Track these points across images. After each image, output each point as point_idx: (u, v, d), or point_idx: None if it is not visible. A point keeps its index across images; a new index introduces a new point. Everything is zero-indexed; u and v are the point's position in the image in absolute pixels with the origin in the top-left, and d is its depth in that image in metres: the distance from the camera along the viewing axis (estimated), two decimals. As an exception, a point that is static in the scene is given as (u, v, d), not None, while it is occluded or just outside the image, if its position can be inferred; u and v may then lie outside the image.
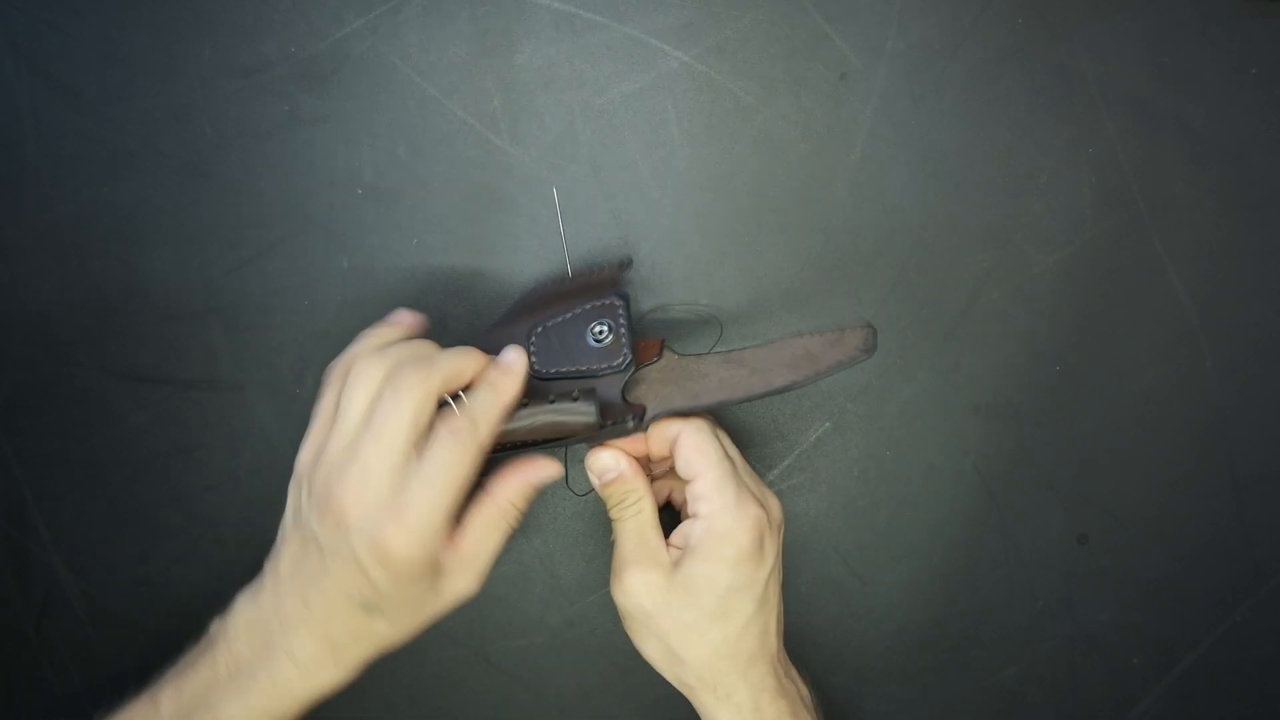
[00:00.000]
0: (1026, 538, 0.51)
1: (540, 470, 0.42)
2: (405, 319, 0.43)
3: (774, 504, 0.43)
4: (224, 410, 0.50)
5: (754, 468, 0.51)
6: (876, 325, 0.49)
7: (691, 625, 0.41)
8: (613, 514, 0.44)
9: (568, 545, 0.51)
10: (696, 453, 0.42)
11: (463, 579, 0.40)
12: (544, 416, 0.42)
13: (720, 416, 0.50)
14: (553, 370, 0.43)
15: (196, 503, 0.50)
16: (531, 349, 0.43)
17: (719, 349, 0.46)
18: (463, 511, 0.40)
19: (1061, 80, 0.49)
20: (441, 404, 0.39)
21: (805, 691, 0.45)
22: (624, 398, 0.43)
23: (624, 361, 0.43)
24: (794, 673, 0.45)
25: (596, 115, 0.49)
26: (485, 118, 0.49)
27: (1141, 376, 0.50)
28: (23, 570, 0.50)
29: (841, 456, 0.51)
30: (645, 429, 0.43)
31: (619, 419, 0.42)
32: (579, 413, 0.42)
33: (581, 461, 0.46)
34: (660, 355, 0.43)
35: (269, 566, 0.41)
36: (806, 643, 0.51)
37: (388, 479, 0.37)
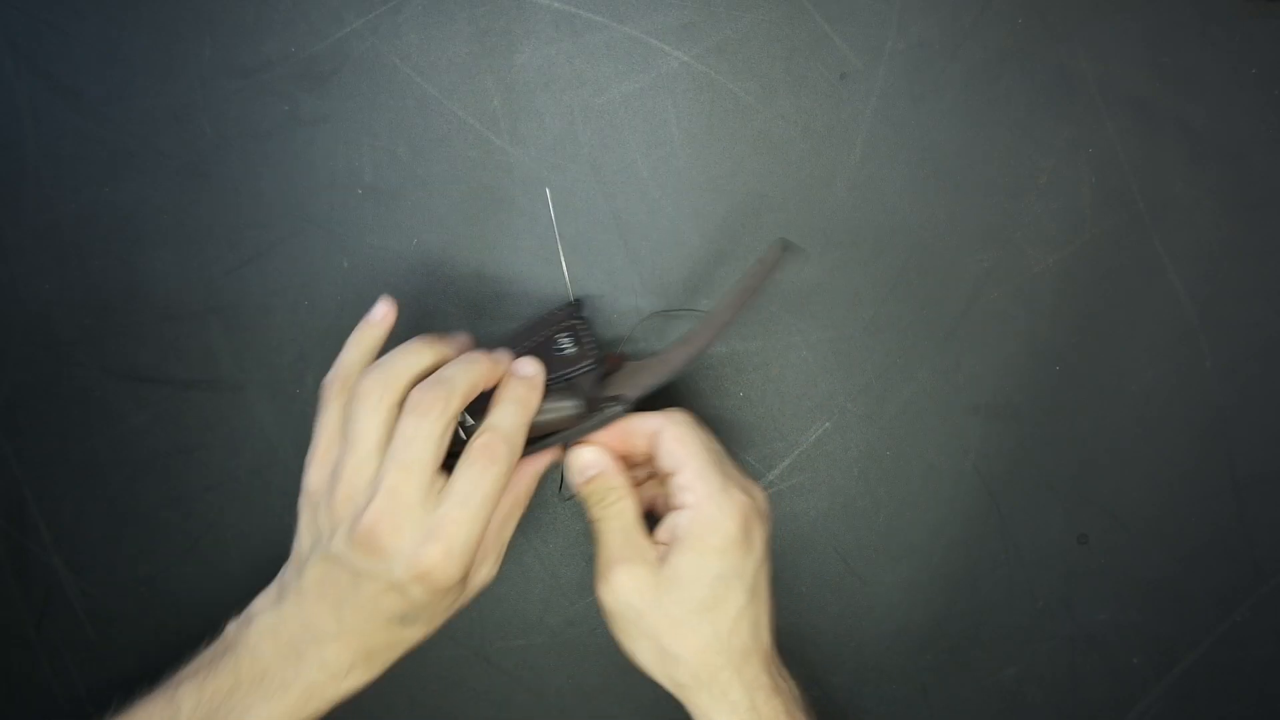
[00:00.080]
0: (1026, 538, 0.51)
1: (543, 457, 0.43)
2: (387, 316, 0.42)
3: (759, 493, 0.43)
4: (224, 410, 0.50)
5: (754, 467, 0.51)
6: (877, 325, 0.50)
7: (682, 620, 0.41)
8: (595, 513, 0.43)
9: (568, 545, 0.51)
10: (678, 444, 0.42)
11: (486, 570, 0.42)
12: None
13: (718, 416, 0.50)
14: None
15: (196, 503, 0.50)
16: None
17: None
18: None
19: (1061, 80, 0.49)
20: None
21: (798, 692, 0.45)
22: (601, 393, 0.44)
23: (593, 360, 0.44)
24: (786, 673, 0.45)
25: (596, 115, 0.49)
26: (485, 118, 0.49)
27: (1141, 376, 0.50)
28: (23, 570, 0.50)
29: (841, 456, 0.51)
30: (630, 408, 0.43)
31: (601, 406, 0.43)
32: (563, 409, 0.42)
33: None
34: (622, 366, 0.45)
35: (289, 580, 0.41)
36: (806, 643, 0.51)
37: (419, 502, 0.38)
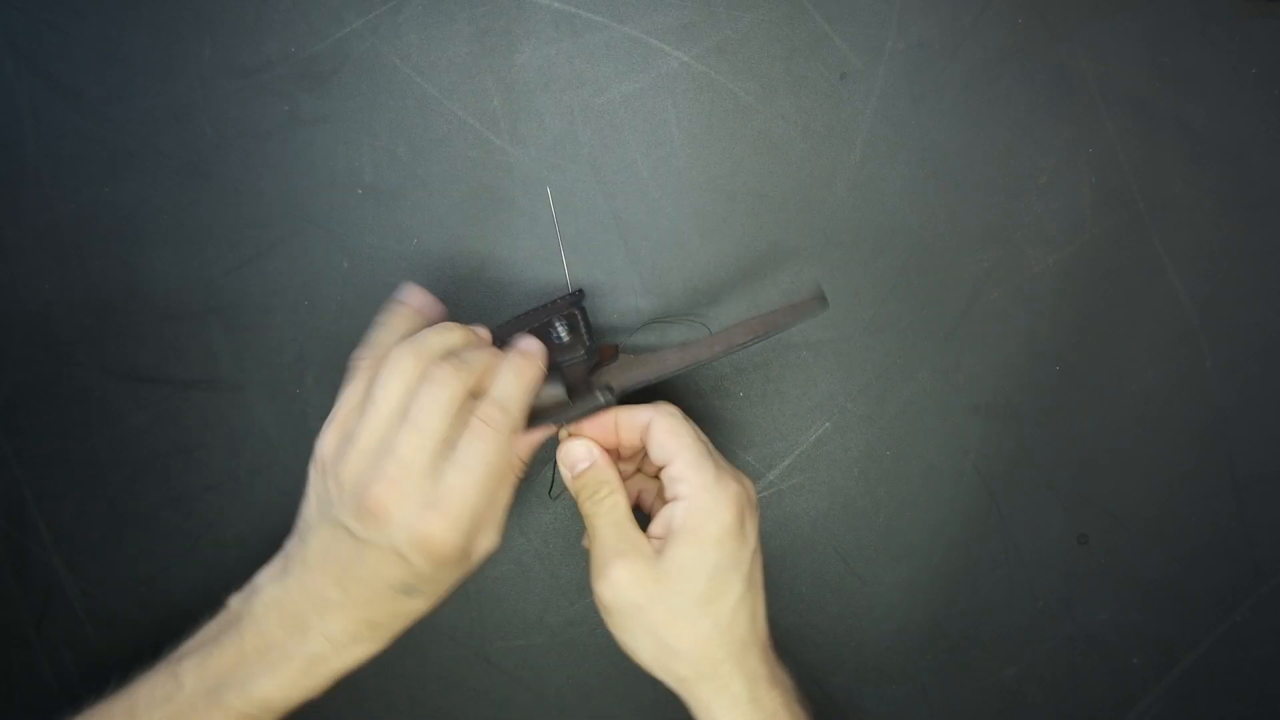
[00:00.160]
0: (1026, 538, 0.51)
1: (538, 431, 0.43)
2: (418, 300, 0.44)
3: (749, 483, 0.43)
4: (224, 410, 0.50)
5: (754, 467, 0.51)
6: (877, 325, 0.50)
7: (682, 612, 0.41)
8: (586, 508, 0.43)
9: (568, 545, 0.51)
10: (670, 435, 0.42)
11: (486, 540, 0.41)
12: None
13: (718, 416, 0.50)
14: None
15: (196, 503, 0.50)
16: None
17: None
18: None
19: (1061, 80, 0.49)
20: None
21: (794, 683, 0.45)
22: (591, 381, 0.44)
23: (586, 351, 0.44)
24: (782, 664, 0.45)
25: (596, 115, 0.49)
26: (485, 118, 0.49)
27: (1141, 376, 0.50)
28: (23, 570, 0.50)
29: (841, 456, 0.51)
30: (615, 399, 0.43)
31: (588, 394, 0.43)
32: (549, 393, 0.43)
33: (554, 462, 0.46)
34: (617, 357, 0.45)
35: (293, 550, 0.41)
36: (806, 643, 0.51)
37: (425, 471, 0.38)
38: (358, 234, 0.49)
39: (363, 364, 0.42)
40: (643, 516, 0.44)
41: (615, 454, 0.45)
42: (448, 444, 0.39)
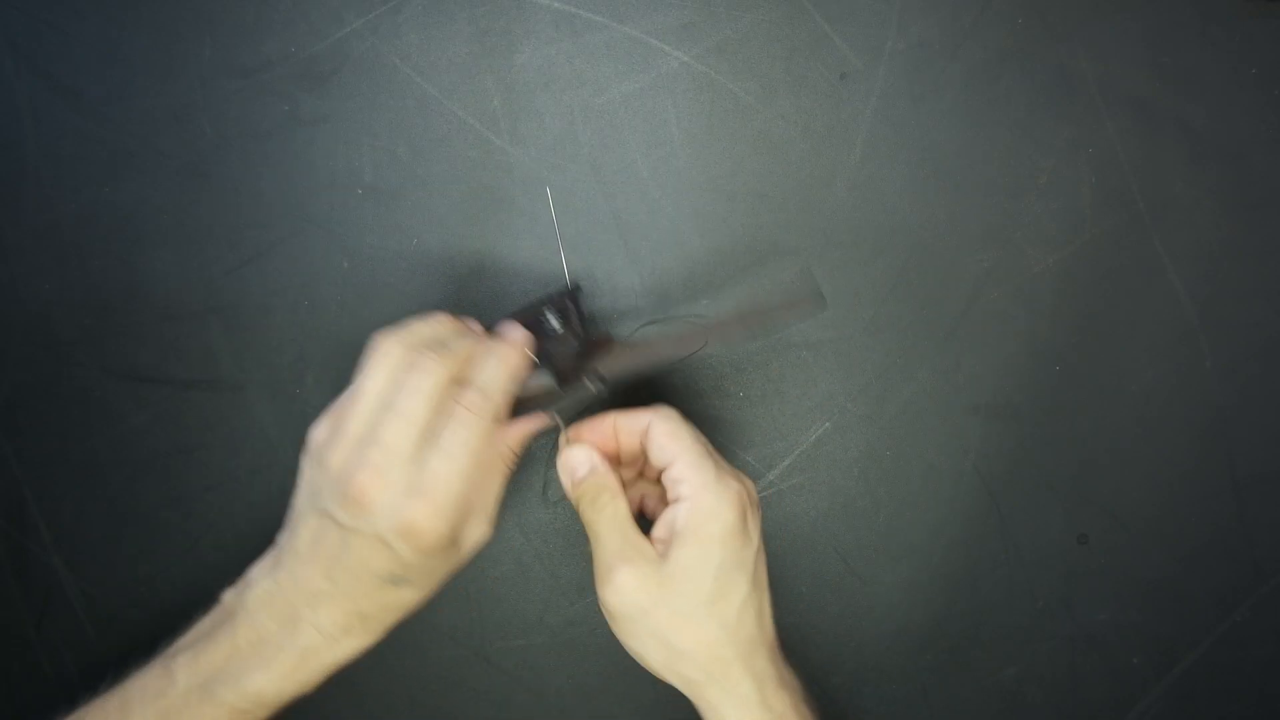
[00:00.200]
0: (1026, 538, 0.51)
1: (530, 420, 0.43)
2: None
3: (749, 482, 0.43)
4: (224, 410, 0.50)
5: (754, 467, 0.51)
6: (877, 325, 0.50)
7: (689, 614, 0.41)
8: (587, 515, 0.43)
9: (568, 545, 0.51)
10: (669, 438, 0.42)
11: (476, 530, 0.41)
12: None
13: (718, 416, 0.50)
14: None
15: (196, 503, 0.50)
16: None
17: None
18: None
19: (1061, 80, 0.49)
20: None
21: (801, 684, 0.45)
22: (581, 370, 0.44)
23: (579, 342, 0.44)
24: (790, 664, 0.45)
25: (596, 115, 0.49)
26: (485, 118, 0.49)
27: (1141, 376, 0.50)
28: (23, 570, 0.50)
29: (841, 456, 0.51)
30: (606, 388, 0.43)
31: (577, 383, 0.43)
32: (537, 385, 0.43)
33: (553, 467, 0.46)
34: (608, 350, 0.45)
35: (284, 542, 0.41)
36: (807, 643, 0.51)
37: (409, 458, 0.38)
38: (358, 234, 0.49)
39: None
40: (646, 523, 0.44)
41: (615, 460, 0.44)
42: (432, 431, 0.39)
